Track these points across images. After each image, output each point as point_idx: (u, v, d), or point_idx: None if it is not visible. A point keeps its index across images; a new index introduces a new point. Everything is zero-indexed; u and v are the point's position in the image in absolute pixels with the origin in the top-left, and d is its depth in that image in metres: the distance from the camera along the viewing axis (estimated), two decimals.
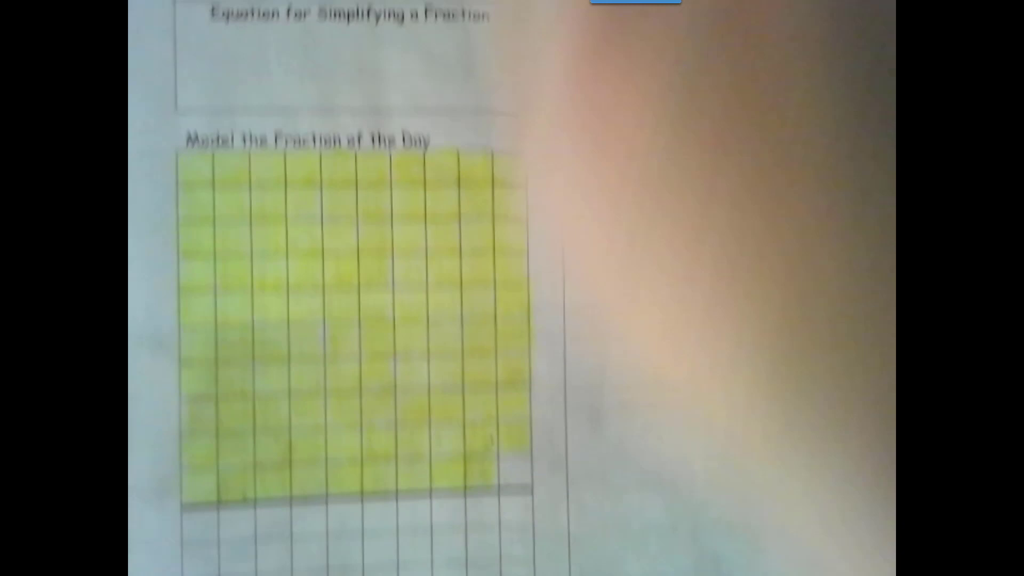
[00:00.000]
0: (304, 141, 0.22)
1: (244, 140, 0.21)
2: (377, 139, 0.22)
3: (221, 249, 0.21)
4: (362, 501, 0.22)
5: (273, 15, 0.22)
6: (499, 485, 0.22)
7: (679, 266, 0.18)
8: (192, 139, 0.21)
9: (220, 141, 0.21)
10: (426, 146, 0.22)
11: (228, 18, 0.21)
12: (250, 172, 0.21)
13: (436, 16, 0.22)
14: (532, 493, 0.22)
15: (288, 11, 0.22)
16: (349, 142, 0.22)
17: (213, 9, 0.21)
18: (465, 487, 0.22)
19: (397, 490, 0.22)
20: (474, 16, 0.22)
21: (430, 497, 0.22)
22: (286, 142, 0.22)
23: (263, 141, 0.21)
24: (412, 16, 0.22)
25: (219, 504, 0.21)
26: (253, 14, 0.22)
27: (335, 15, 0.22)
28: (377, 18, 0.22)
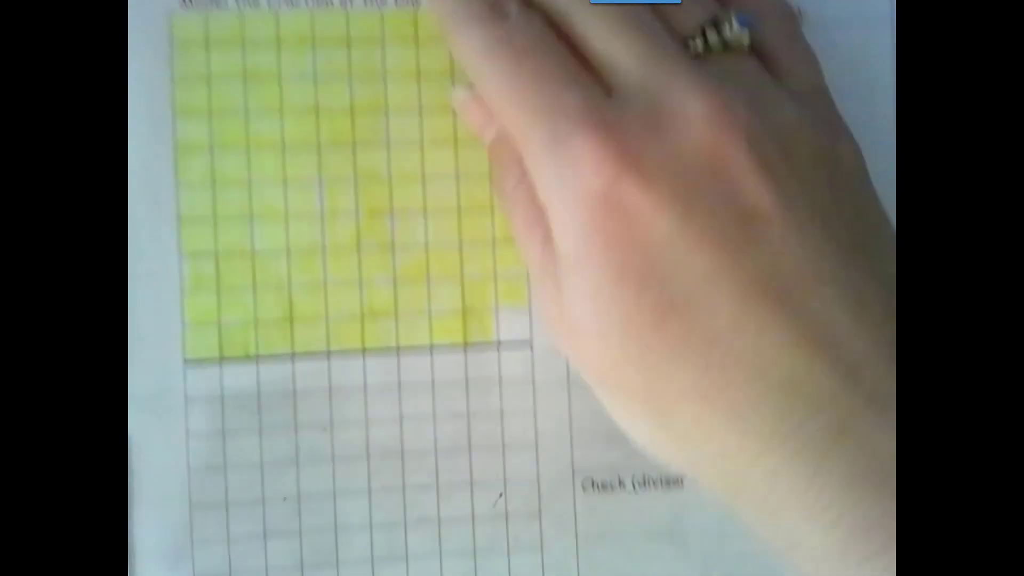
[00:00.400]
0: (296, 0, 0.22)
1: (237, 0, 0.22)
2: None
3: (216, 108, 0.21)
4: (363, 357, 0.22)
5: None
6: (499, 341, 0.22)
7: None
8: (186, 0, 0.21)
9: (214, 1, 0.21)
10: (417, 3, 0.22)
11: None
12: (243, 31, 0.22)
13: None
14: (531, 348, 0.22)
15: None
16: (341, 0, 0.22)
17: None
18: (465, 343, 0.22)
19: (398, 346, 0.22)
20: None
21: (431, 353, 0.22)
22: (279, 1, 0.22)
23: (256, 1, 0.22)
24: None
25: (221, 360, 0.21)
26: None
27: None
28: None
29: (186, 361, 0.21)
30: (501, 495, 0.22)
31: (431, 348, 0.22)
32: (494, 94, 0.18)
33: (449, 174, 0.22)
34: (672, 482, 0.22)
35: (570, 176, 0.17)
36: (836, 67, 0.21)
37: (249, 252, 0.22)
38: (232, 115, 0.21)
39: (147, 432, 0.21)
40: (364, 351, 0.22)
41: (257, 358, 0.22)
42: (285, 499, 0.21)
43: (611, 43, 0.18)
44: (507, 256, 0.22)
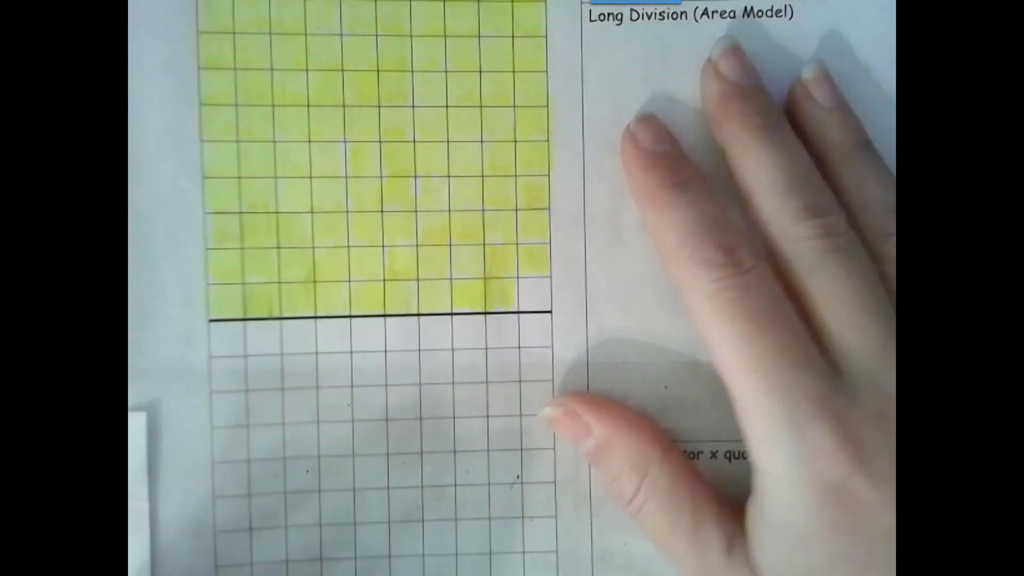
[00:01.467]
0: None
1: None
2: None
3: (241, 63, 0.21)
4: (384, 321, 0.22)
5: None
6: (519, 309, 0.22)
7: None
8: None
9: None
10: None
11: None
12: None
13: None
14: (551, 317, 0.22)
15: None
16: None
17: None
18: (485, 310, 0.22)
19: (419, 312, 0.22)
20: None
21: (451, 319, 0.22)
22: None
23: None
24: None
25: (245, 319, 0.22)
26: None
27: None
28: None
29: (211, 320, 0.22)
30: (518, 478, 0.22)
31: (451, 315, 0.22)
32: (726, 357, 0.18)
33: (474, 138, 0.22)
34: (687, 454, 0.22)
35: (806, 462, 0.17)
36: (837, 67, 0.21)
37: (274, 211, 0.22)
38: (257, 71, 0.21)
39: (171, 390, 0.21)
40: (385, 316, 0.22)
41: (281, 318, 0.22)
42: (306, 461, 0.22)
43: (845, 323, 0.18)
44: (529, 224, 0.22)
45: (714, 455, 0.22)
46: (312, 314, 0.22)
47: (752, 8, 0.22)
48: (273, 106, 0.21)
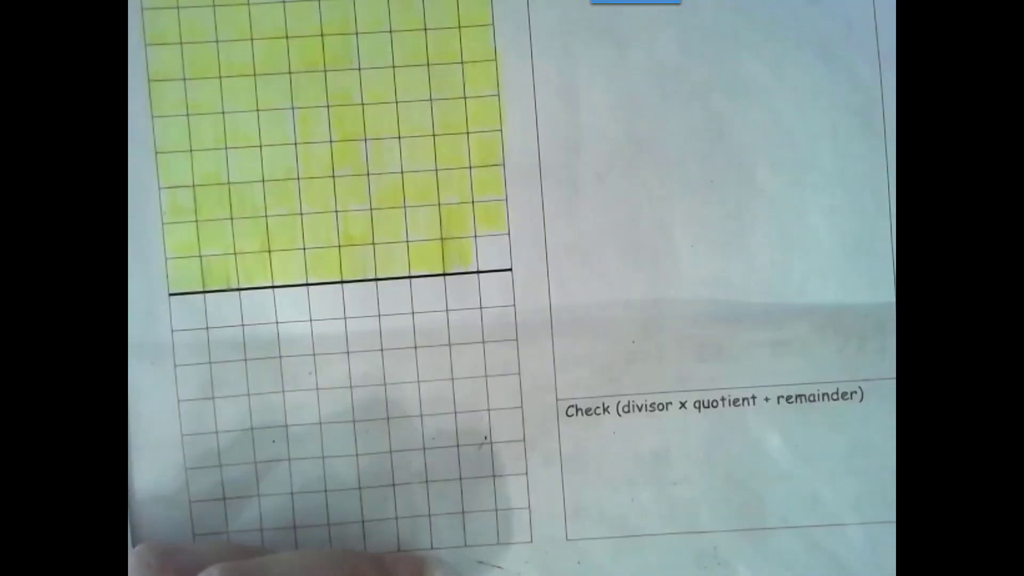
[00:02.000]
0: None
1: None
2: None
3: (187, 36, 0.21)
4: (342, 288, 0.22)
5: None
6: (478, 269, 0.22)
7: None
8: None
9: None
10: None
11: None
12: None
13: None
14: (512, 275, 0.22)
15: None
16: None
17: None
18: (444, 272, 0.22)
19: (376, 277, 0.22)
20: None
21: (410, 283, 0.22)
22: None
23: None
24: None
25: (205, 291, 0.22)
26: None
27: None
28: None
29: (171, 294, 0.22)
30: (486, 439, 0.22)
31: (410, 278, 0.22)
32: None
33: (423, 98, 0.22)
34: (656, 407, 0.22)
35: None
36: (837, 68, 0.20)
37: (226, 183, 0.22)
38: (203, 43, 0.21)
39: (136, 365, 0.22)
40: (343, 282, 0.22)
41: (239, 289, 0.22)
42: (272, 431, 0.22)
43: None
44: (485, 181, 0.22)
45: (683, 405, 0.22)
46: (270, 284, 0.22)
47: None
48: (220, 78, 0.21)
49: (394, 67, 0.21)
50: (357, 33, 0.21)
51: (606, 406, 0.22)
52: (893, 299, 0.20)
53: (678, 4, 0.21)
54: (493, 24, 0.21)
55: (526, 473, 0.22)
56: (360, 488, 0.22)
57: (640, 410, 0.22)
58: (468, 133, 0.22)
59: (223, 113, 0.21)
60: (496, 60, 0.21)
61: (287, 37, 0.21)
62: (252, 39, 0.21)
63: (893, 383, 0.21)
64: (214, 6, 0.21)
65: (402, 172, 0.22)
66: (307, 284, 0.22)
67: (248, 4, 0.21)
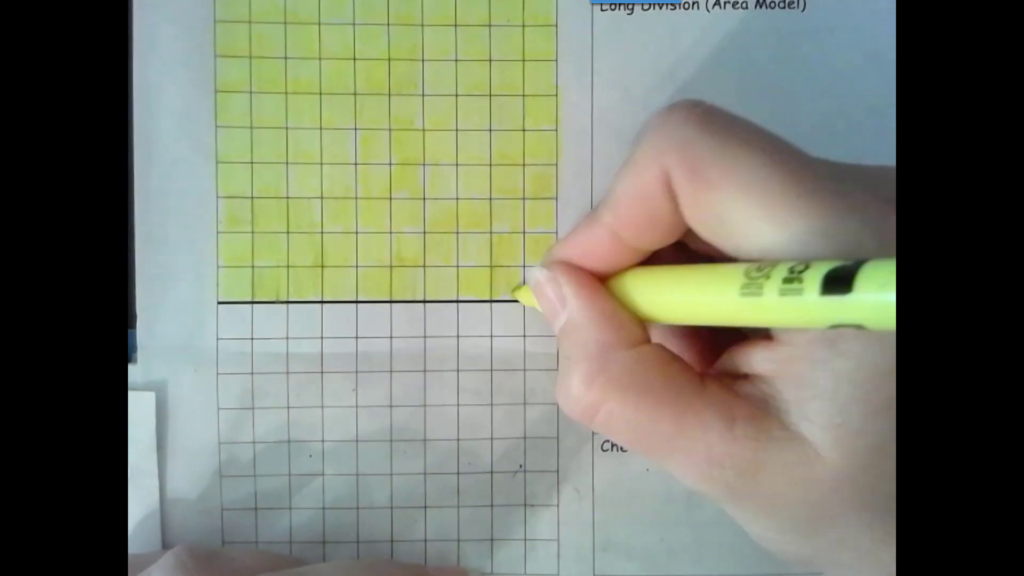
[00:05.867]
0: None
1: None
2: None
3: (256, 51, 0.22)
4: (391, 308, 0.22)
5: None
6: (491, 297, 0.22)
7: None
8: None
9: None
10: None
11: None
12: None
13: None
14: None
15: None
16: None
17: None
18: (491, 298, 0.22)
19: (425, 298, 0.22)
20: None
21: (457, 307, 0.22)
22: None
23: None
24: None
25: (253, 302, 0.22)
26: None
27: None
28: None
29: (219, 302, 0.22)
30: (520, 467, 0.22)
31: (457, 302, 0.22)
32: None
33: (483, 127, 0.22)
34: None
35: None
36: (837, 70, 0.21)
37: (284, 197, 0.22)
38: (271, 59, 0.22)
39: (179, 371, 0.22)
40: (392, 302, 0.22)
41: (288, 302, 0.22)
42: (309, 445, 0.22)
43: None
44: (537, 213, 0.22)
45: None
46: (319, 299, 0.22)
47: None
48: (286, 93, 0.22)
49: (457, 95, 0.22)
50: (423, 60, 0.22)
51: None
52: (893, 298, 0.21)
53: (676, 7, 0.22)
54: (556, 60, 0.22)
55: (557, 505, 0.22)
56: (392, 508, 0.22)
57: None
58: (524, 165, 0.22)
59: (287, 128, 0.22)
60: (557, 95, 0.22)
61: (355, 59, 0.22)
62: (320, 58, 0.22)
63: None
64: (285, 23, 0.22)
65: (457, 198, 0.22)
66: (356, 301, 0.22)
67: (319, 24, 0.22)
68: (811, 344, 0.15)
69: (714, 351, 0.18)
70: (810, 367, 0.15)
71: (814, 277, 0.13)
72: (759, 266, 0.14)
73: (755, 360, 0.16)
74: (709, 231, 0.16)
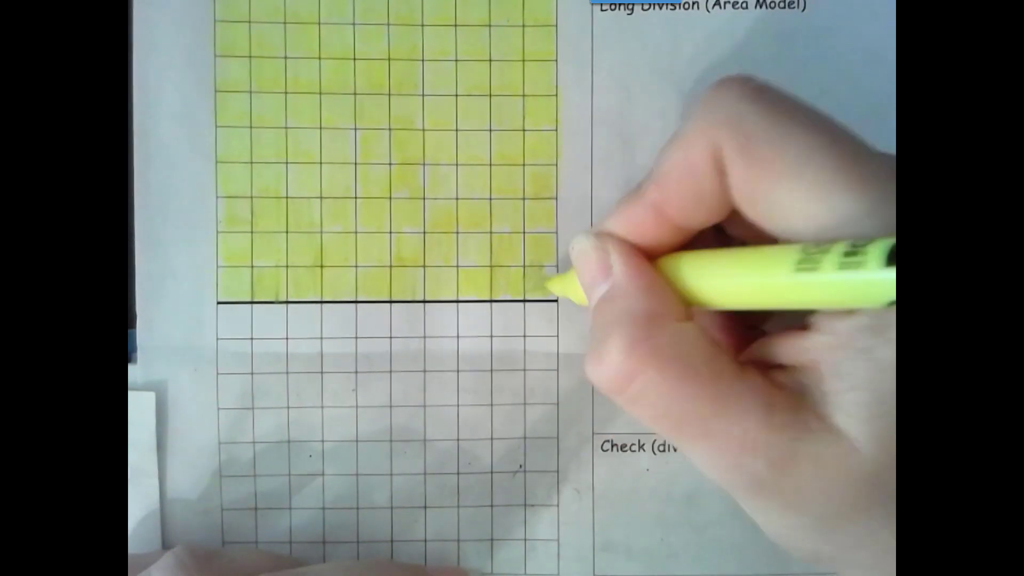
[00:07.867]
0: None
1: None
2: None
3: (256, 51, 0.22)
4: (390, 308, 0.22)
5: None
6: (525, 297, 0.22)
7: None
8: None
9: None
10: None
11: None
12: None
13: None
14: (557, 306, 0.22)
15: None
16: None
17: None
18: (491, 297, 0.22)
19: (425, 298, 0.22)
20: None
21: (456, 307, 0.22)
22: None
23: None
24: None
25: (252, 302, 0.22)
26: None
27: None
28: None
29: (219, 302, 0.22)
30: (520, 467, 0.22)
31: (457, 302, 0.22)
32: None
33: (483, 127, 0.22)
34: None
35: None
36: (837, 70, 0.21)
37: (284, 196, 0.22)
38: (271, 59, 0.22)
39: (179, 370, 0.22)
40: (391, 302, 0.22)
41: (287, 302, 0.22)
42: (309, 445, 0.22)
43: None
44: (537, 213, 0.22)
45: None
46: (319, 299, 0.22)
47: None
48: (286, 93, 0.22)
49: (457, 95, 0.22)
50: (423, 60, 0.22)
51: (641, 443, 0.22)
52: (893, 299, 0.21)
53: (676, 7, 0.22)
54: (557, 61, 0.22)
55: (557, 505, 0.22)
56: (392, 508, 0.22)
57: (675, 450, 0.22)
58: (524, 165, 0.22)
59: (286, 128, 0.22)
60: (557, 96, 0.22)
61: (354, 59, 0.22)
62: (320, 58, 0.22)
63: None
64: (285, 23, 0.22)
65: (457, 198, 0.22)
66: (356, 301, 0.22)
67: (319, 24, 0.22)
68: (854, 333, 0.14)
69: (746, 343, 0.18)
70: (850, 357, 0.14)
71: (877, 251, 0.13)
72: (817, 242, 0.14)
73: (791, 350, 0.15)
74: (756, 210, 0.15)
